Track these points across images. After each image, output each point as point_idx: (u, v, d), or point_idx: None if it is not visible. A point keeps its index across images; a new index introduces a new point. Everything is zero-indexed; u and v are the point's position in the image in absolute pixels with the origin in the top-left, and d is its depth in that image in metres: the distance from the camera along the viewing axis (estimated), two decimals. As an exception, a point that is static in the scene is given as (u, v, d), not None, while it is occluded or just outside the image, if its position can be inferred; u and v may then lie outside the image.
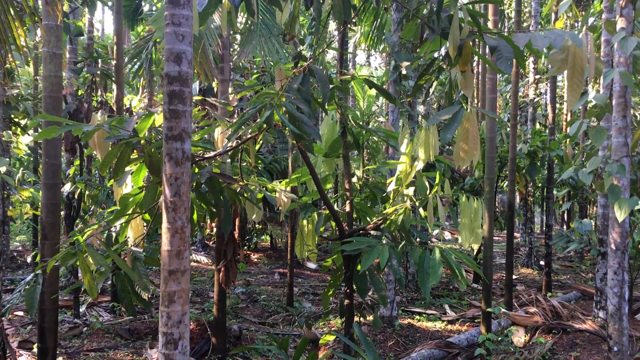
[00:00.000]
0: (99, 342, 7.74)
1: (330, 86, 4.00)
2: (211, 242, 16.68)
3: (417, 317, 9.20)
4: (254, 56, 10.92)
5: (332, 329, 8.58)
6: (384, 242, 4.23)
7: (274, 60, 8.27)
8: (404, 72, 7.67)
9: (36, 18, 4.48)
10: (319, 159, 5.20)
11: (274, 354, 7.08)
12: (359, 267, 4.45)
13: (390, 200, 5.00)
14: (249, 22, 7.01)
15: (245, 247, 16.09)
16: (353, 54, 24.02)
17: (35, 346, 7.33)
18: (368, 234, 4.62)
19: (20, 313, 8.77)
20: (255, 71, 13.80)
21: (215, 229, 15.15)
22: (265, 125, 3.94)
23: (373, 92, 18.29)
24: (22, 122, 9.00)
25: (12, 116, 8.60)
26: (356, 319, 5.45)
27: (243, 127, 3.79)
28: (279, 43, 7.25)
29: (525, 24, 17.18)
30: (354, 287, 4.52)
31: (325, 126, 4.93)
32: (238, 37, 12.40)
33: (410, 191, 4.69)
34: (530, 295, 9.57)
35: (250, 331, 8.27)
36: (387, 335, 8.07)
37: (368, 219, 5.07)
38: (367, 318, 7.88)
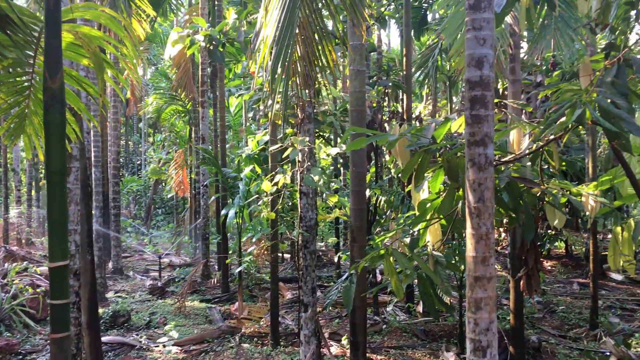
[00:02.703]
0: (398, 340, 8.15)
1: (652, 75, 3.52)
2: (499, 248, 16.19)
3: None
4: (543, 52, 10.29)
5: (649, 350, 7.54)
6: None
7: (569, 55, 7.66)
8: None
9: (344, 39, 4.95)
10: (634, 159, 4.62)
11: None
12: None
13: None
14: (543, 16, 6.62)
15: (538, 254, 15.19)
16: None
17: (343, 338, 8.08)
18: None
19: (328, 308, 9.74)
20: (545, 68, 13.01)
21: (504, 235, 14.62)
22: (571, 125, 3.66)
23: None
24: (327, 135, 10.08)
25: (319, 130, 9.69)
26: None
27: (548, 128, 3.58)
28: (576, 35, 6.69)
29: None
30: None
31: (640, 121, 4.36)
32: (525, 33, 11.86)
33: None
34: None
35: (551, 344, 7.77)
36: None
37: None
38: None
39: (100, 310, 8.93)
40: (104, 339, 7.91)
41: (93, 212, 11.31)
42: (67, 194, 5.14)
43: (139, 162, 34.57)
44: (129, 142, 36.27)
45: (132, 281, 13.85)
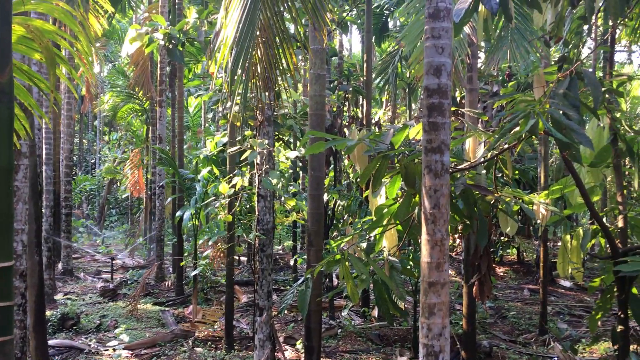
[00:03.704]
0: (352, 344, 8.17)
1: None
2: (454, 254, 16.47)
3: None
4: (499, 63, 10.56)
5: (594, 355, 7.78)
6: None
7: (524, 66, 7.88)
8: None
9: (305, 43, 4.94)
10: (583, 169, 4.77)
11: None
12: (635, 290, 3.96)
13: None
14: (500, 28, 6.78)
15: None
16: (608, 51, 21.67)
17: (298, 342, 8.05)
18: (646, 253, 4.07)
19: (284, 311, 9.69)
20: (501, 78, 13.33)
21: (459, 241, 14.86)
22: (525, 135, 3.75)
23: (639, 92, 16.26)
24: (286, 138, 10.06)
25: (278, 133, 9.64)
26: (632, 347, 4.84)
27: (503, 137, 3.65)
28: (531, 47, 6.88)
29: None
30: (630, 312, 4.02)
31: (590, 132, 4.51)
32: (482, 44, 12.13)
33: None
34: None
35: (501, 349, 7.92)
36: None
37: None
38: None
39: (48, 313, 8.66)
40: (51, 342, 7.66)
41: (43, 211, 10.97)
42: (14, 192, 4.96)
43: (93, 161, 33.72)
44: (83, 140, 35.35)
45: (83, 283, 13.47)
